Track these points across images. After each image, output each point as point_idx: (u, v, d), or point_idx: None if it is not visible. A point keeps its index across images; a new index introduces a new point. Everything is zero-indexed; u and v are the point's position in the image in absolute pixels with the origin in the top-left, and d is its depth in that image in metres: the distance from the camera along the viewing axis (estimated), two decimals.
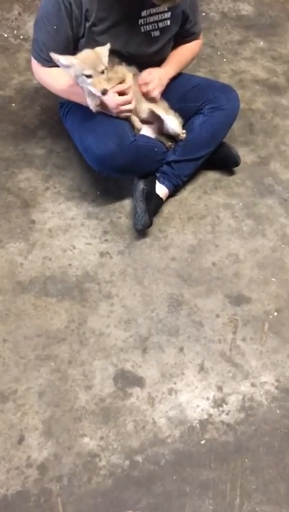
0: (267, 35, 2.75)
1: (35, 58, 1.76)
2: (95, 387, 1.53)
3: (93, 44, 1.67)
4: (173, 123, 1.87)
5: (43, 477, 1.37)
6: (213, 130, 1.89)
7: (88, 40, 1.68)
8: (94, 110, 1.72)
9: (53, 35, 1.66)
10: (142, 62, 1.79)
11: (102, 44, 1.65)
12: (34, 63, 1.78)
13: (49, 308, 1.68)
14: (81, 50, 1.68)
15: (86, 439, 1.44)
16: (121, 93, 1.70)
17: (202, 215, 1.96)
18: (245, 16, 2.86)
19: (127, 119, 1.81)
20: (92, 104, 1.71)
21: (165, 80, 1.86)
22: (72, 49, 1.71)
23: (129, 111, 1.75)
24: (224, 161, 2.04)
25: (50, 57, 1.67)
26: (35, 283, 1.74)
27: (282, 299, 1.76)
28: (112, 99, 1.68)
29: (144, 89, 1.81)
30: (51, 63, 1.70)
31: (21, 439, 1.43)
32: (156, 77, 1.81)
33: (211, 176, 2.08)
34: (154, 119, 1.91)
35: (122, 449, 1.43)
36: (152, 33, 1.75)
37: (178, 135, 1.90)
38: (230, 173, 2.09)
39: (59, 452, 1.42)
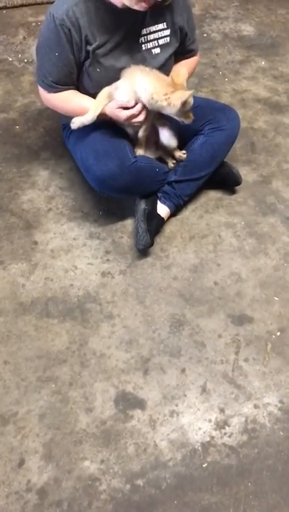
0: (268, 54, 2.78)
1: (41, 85, 1.79)
2: (96, 410, 1.52)
3: (97, 65, 1.71)
4: (165, 136, 1.89)
5: (43, 502, 1.36)
6: (214, 150, 1.90)
7: (92, 62, 1.71)
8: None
9: (55, 61, 1.69)
10: None
11: (107, 65, 1.70)
12: (41, 90, 1.81)
13: (50, 330, 1.68)
14: (86, 71, 1.72)
15: (86, 463, 1.43)
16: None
17: (204, 234, 1.96)
18: (247, 36, 2.89)
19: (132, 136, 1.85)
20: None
21: None
22: (77, 71, 1.74)
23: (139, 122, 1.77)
24: (225, 181, 2.04)
25: (56, 83, 1.74)
26: (37, 304, 1.74)
27: (285, 319, 1.74)
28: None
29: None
30: (57, 88, 1.74)
31: (21, 463, 1.42)
32: None
33: (213, 195, 2.09)
34: (153, 135, 1.93)
35: (123, 473, 1.42)
36: (153, 51, 1.78)
37: (172, 150, 1.91)
38: (232, 192, 2.09)
39: (59, 476, 1.40)
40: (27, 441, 1.46)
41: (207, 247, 1.93)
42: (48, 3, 2.95)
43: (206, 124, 1.89)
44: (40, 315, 1.72)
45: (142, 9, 1.59)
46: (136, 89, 1.70)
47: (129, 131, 1.87)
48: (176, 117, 1.77)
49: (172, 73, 1.76)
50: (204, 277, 1.84)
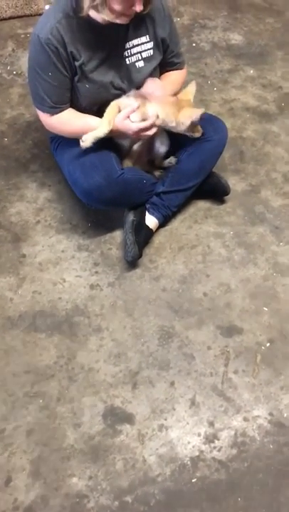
0: (257, 63, 2.78)
1: (41, 110, 1.76)
2: (84, 425, 1.51)
3: (86, 81, 1.71)
4: (158, 142, 1.90)
5: None
6: (202, 161, 1.90)
7: (81, 77, 1.70)
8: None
9: (50, 81, 1.67)
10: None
11: (94, 80, 1.71)
12: (41, 115, 1.78)
13: (38, 344, 1.67)
14: (76, 86, 1.72)
15: (74, 479, 1.41)
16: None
17: (193, 245, 1.96)
18: (235, 46, 2.90)
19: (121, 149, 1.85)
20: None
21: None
22: (70, 87, 1.74)
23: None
24: (214, 191, 2.04)
25: (55, 104, 1.72)
26: (25, 318, 1.73)
27: (274, 330, 1.73)
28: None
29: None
30: (57, 108, 1.73)
31: (8, 481, 1.40)
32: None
33: (202, 205, 2.08)
34: (146, 148, 1.93)
35: (111, 489, 1.40)
36: (137, 64, 1.77)
37: (161, 157, 1.93)
38: (221, 201, 2.09)
39: (47, 494, 1.38)
40: (14, 459, 1.44)
41: (196, 258, 1.92)
42: (36, 15, 2.96)
43: None
44: (28, 329, 1.70)
45: (124, 22, 1.59)
46: (148, 113, 1.71)
47: (125, 143, 1.87)
48: (185, 133, 1.81)
49: (181, 93, 1.84)
50: (193, 288, 1.84)
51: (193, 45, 2.88)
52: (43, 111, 1.76)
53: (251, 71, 2.74)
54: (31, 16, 2.97)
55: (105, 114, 1.72)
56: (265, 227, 2.02)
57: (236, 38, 2.95)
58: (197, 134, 1.84)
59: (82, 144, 1.72)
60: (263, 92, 2.62)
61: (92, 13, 1.57)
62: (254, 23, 3.06)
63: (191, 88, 1.85)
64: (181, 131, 1.81)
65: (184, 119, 1.76)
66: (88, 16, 1.58)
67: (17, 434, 1.48)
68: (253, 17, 3.10)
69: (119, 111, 1.72)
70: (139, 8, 1.53)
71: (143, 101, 1.72)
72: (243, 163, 2.26)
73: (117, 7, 1.52)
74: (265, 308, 1.79)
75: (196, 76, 2.67)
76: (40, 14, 2.93)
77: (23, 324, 1.71)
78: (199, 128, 1.83)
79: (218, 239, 1.98)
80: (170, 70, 1.92)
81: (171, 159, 1.93)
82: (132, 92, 1.76)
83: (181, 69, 1.95)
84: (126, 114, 1.70)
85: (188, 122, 1.77)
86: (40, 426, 1.50)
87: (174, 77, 1.94)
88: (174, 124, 1.78)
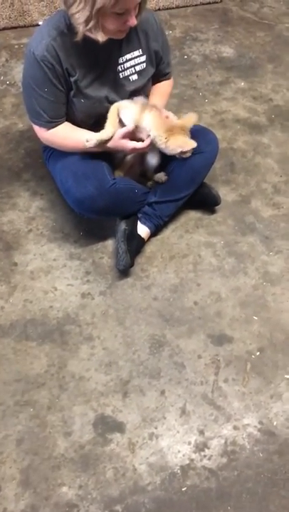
0: (247, 75, 2.83)
1: (37, 125, 1.77)
2: (75, 434, 1.51)
3: (81, 96, 1.73)
4: (150, 155, 1.91)
5: None
6: (193, 172, 1.92)
7: (76, 93, 1.72)
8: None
9: (46, 97, 1.68)
10: None
11: (90, 96, 1.72)
12: (37, 129, 1.79)
13: (29, 353, 1.67)
14: (71, 101, 1.73)
15: (64, 489, 1.41)
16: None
17: (184, 254, 1.97)
18: (227, 58, 2.94)
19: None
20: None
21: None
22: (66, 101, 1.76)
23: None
24: (205, 201, 2.06)
25: (51, 119, 1.73)
26: (16, 327, 1.73)
27: (264, 338, 1.75)
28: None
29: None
30: (54, 123, 1.75)
31: None
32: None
33: (193, 214, 2.10)
34: (139, 159, 1.94)
35: (102, 498, 1.40)
36: (131, 78, 1.80)
37: (152, 170, 1.94)
38: (212, 211, 2.11)
39: (36, 503, 1.38)
40: (4, 468, 1.43)
41: (187, 267, 1.94)
42: (30, 26, 2.99)
43: None
44: (18, 338, 1.70)
45: (120, 37, 1.62)
46: (142, 125, 1.73)
47: (118, 154, 1.89)
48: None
49: (182, 118, 1.81)
50: (184, 297, 1.85)
51: (185, 57, 2.92)
52: (40, 125, 1.77)
53: (242, 83, 2.78)
54: (25, 27, 3.00)
55: (108, 118, 1.74)
56: (255, 237, 2.04)
57: (227, 50, 3.00)
58: (187, 155, 1.81)
59: (86, 144, 1.72)
60: (254, 104, 2.66)
61: (88, 33, 1.59)
62: (245, 37, 3.11)
63: (193, 118, 1.80)
64: (168, 154, 1.81)
65: (174, 146, 1.75)
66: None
67: (7, 443, 1.48)
68: (243, 30, 3.16)
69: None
70: (132, 22, 1.55)
71: (143, 107, 1.74)
72: (234, 173, 2.29)
73: (111, 26, 1.54)
74: (255, 317, 1.80)
75: (188, 88, 2.71)
76: (33, 25, 2.97)
77: (14, 332, 1.71)
78: (188, 154, 1.80)
79: (208, 248, 2.00)
80: (160, 80, 1.95)
81: (162, 176, 1.93)
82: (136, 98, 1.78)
83: (169, 79, 1.99)
84: (121, 135, 1.72)
85: (176, 151, 1.76)
86: (30, 435, 1.50)
87: (163, 88, 1.97)
88: (162, 147, 1.77)
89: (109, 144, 1.74)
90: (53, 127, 1.76)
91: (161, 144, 1.76)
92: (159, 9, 3.22)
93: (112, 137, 1.73)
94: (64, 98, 1.73)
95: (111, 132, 1.72)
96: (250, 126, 2.53)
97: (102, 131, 1.73)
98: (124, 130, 1.72)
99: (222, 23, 3.20)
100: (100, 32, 1.55)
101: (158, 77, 1.93)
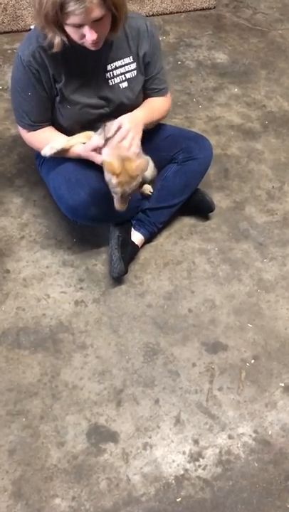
0: (241, 82, 2.83)
1: (20, 125, 1.81)
2: (68, 444, 1.49)
3: (66, 102, 1.73)
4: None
5: None
6: (187, 179, 1.91)
7: (62, 99, 1.72)
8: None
9: (29, 101, 1.71)
10: (115, 116, 1.80)
11: (75, 102, 1.72)
12: (21, 130, 1.83)
13: (21, 361, 1.65)
14: (57, 107, 1.74)
15: (57, 500, 1.39)
16: None
17: (178, 261, 1.96)
18: (220, 64, 2.94)
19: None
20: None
21: (140, 123, 1.72)
22: (51, 106, 1.76)
23: None
24: (198, 208, 2.06)
25: (34, 122, 1.76)
26: (8, 335, 1.71)
27: (259, 346, 1.74)
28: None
29: (126, 144, 1.67)
30: (36, 126, 1.77)
31: None
32: (130, 126, 1.70)
33: (187, 221, 2.10)
34: None
35: (95, 510, 1.38)
36: (120, 85, 1.78)
37: (145, 180, 1.89)
38: (206, 218, 2.11)
39: None
40: None
41: (181, 274, 1.93)
42: (23, 31, 2.98)
43: (178, 153, 1.91)
44: (11, 346, 1.68)
45: (93, 48, 1.57)
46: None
47: None
48: None
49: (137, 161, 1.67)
50: (178, 304, 1.84)
51: (179, 63, 2.92)
52: (22, 126, 1.80)
53: (236, 89, 2.78)
54: (18, 31, 2.99)
55: (75, 135, 1.75)
56: (249, 244, 2.04)
57: (221, 56, 3.00)
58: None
59: (43, 153, 1.74)
60: (247, 110, 2.66)
61: (53, 41, 1.55)
62: (238, 43, 3.11)
63: (143, 165, 1.67)
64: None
65: (118, 187, 1.64)
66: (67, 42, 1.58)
67: None
68: (237, 37, 3.16)
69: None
70: (91, 38, 1.50)
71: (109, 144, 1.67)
72: (228, 180, 2.28)
73: (74, 37, 1.54)
74: (250, 325, 1.79)
75: (182, 94, 2.71)
76: (26, 30, 2.95)
77: (7, 341, 1.69)
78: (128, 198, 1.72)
79: (203, 255, 1.99)
80: (154, 96, 1.87)
81: (147, 188, 1.93)
82: (108, 126, 1.69)
83: (164, 95, 1.89)
84: (91, 148, 1.69)
85: (118, 190, 1.66)
86: (22, 445, 1.48)
87: (154, 102, 1.87)
88: (112, 181, 1.65)
89: (82, 154, 1.73)
90: (35, 130, 1.78)
91: (110, 178, 1.65)
92: (153, 15, 3.22)
93: (68, 149, 1.74)
94: (48, 104, 1.74)
95: (62, 145, 1.73)
96: (244, 133, 2.52)
97: (56, 140, 1.74)
98: (93, 144, 1.69)
99: (216, 29, 3.20)
100: (71, 40, 1.55)
101: (151, 92, 1.86)
